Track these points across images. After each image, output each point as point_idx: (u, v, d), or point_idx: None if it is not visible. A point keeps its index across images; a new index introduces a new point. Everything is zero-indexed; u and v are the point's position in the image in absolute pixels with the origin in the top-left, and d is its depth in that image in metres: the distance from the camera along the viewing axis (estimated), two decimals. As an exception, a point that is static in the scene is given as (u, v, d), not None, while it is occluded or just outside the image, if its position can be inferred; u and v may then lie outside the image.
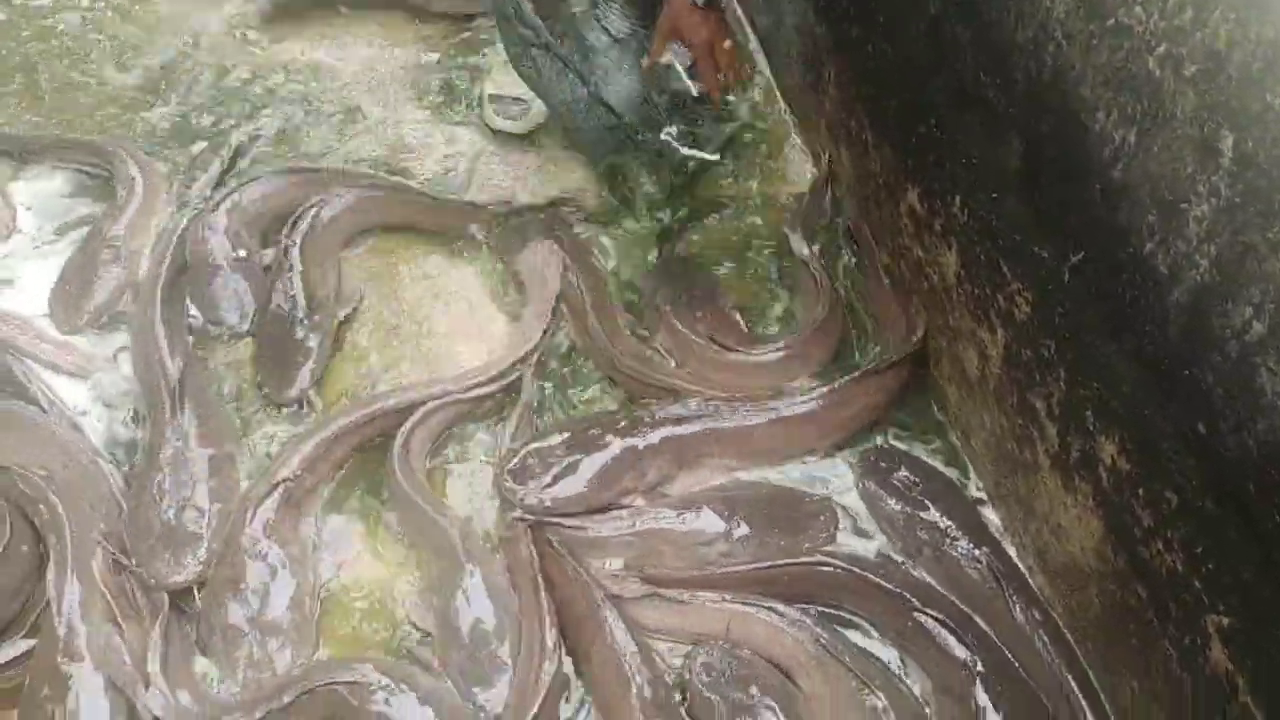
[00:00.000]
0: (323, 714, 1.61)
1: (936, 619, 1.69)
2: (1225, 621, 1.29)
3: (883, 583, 1.73)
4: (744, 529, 1.80)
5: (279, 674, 1.66)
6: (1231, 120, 1.15)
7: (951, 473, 1.95)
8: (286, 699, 1.58)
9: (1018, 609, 1.73)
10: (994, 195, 1.65)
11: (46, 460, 1.85)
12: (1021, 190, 1.57)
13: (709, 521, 1.81)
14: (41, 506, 1.78)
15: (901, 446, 1.98)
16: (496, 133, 2.55)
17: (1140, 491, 1.42)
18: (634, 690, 1.60)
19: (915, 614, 1.70)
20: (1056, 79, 1.44)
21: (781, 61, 2.60)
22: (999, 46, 1.57)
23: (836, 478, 1.94)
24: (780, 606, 1.72)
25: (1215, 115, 1.17)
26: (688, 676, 1.67)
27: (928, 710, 1.67)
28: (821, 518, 1.84)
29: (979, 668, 1.66)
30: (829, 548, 1.82)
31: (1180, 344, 1.29)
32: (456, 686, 1.65)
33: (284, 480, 1.82)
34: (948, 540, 1.82)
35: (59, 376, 2.05)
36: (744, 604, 1.72)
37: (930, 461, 1.96)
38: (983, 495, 1.92)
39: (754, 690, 1.64)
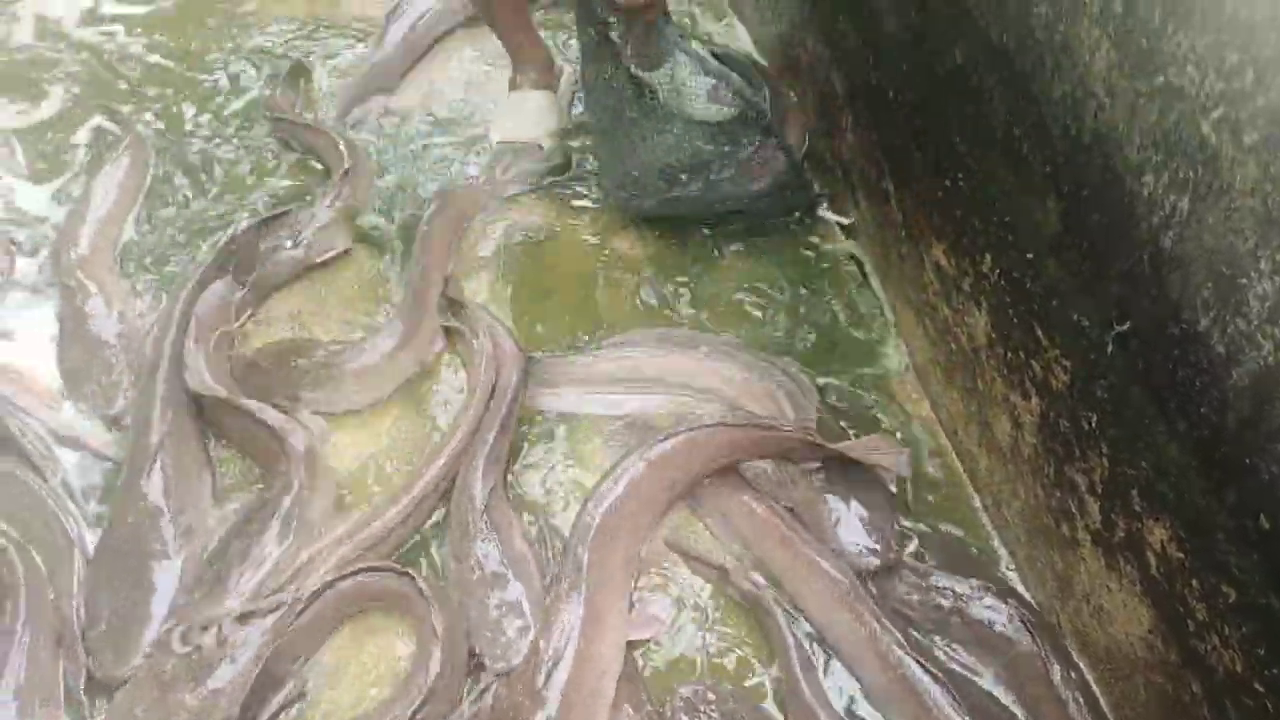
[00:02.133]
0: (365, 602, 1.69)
1: (927, 670, 1.58)
2: (1294, 733, 1.18)
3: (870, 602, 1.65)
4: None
5: None
6: (1299, 193, 1.06)
7: (976, 543, 1.86)
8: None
9: (1055, 667, 1.61)
10: (1029, 256, 1.56)
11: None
12: (1060, 253, 1.48)
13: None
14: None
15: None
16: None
17: (1194, 582, 1.31)
18: None
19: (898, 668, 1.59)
20: (1098, 139, 1.35)
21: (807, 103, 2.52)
22: (1033, 100, 1.48)
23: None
24: None
25: (1280, 186, 1.08)
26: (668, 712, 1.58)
27: None
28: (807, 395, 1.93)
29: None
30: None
31: (1239, 430, 1.19)
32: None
33: None
34: (971, 603, 1.70)
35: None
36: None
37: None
38: (1011, 568, 1.82)
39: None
